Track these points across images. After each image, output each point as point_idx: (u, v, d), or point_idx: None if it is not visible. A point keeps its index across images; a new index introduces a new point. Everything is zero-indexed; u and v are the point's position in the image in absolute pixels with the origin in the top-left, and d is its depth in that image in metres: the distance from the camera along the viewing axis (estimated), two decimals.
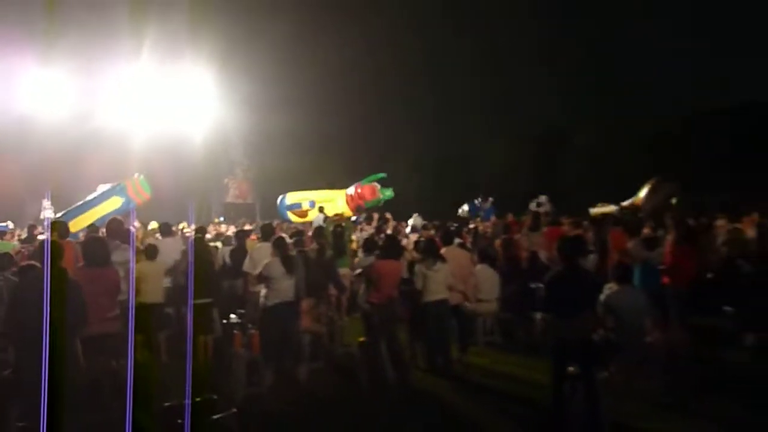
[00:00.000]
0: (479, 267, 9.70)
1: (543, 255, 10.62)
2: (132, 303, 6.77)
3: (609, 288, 7.07)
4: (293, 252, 8.27)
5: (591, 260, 9.87)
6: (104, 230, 9.91)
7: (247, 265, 9.20)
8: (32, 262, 5.90)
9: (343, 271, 9.75)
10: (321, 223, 13.79)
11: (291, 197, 18.12)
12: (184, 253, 9.60)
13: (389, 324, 7.99)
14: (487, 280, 9.55)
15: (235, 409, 5.64)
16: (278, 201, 19.17)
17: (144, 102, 20.78)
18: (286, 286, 7.69)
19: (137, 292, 7.64)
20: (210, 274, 8.84)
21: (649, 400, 6.74)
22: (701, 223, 12.45)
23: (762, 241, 9.98)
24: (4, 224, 15.71)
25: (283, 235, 9.79)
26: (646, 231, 10.32)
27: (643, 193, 16.41)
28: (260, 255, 8.80)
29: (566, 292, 5.98)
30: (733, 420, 6.27)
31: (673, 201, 15.92)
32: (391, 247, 8.50)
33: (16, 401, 5.62)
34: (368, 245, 9.46)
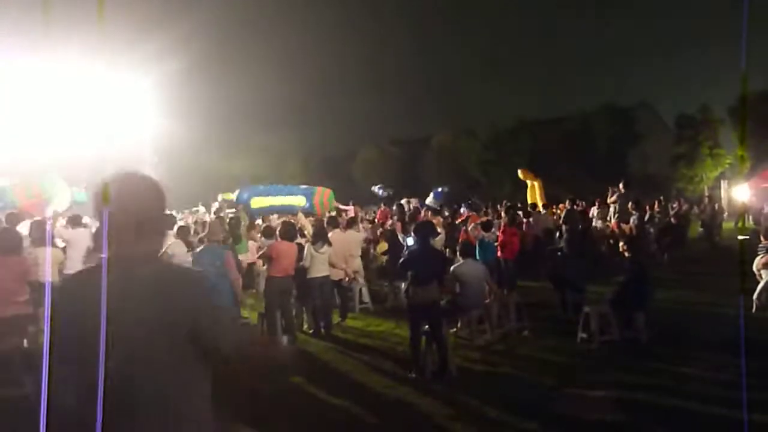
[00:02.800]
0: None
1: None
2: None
3: (456, 261, 7.40)
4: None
5: (440, 240, 10.23)
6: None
7: None
8: None
9: (242, 256, 9.46)
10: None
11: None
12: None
13: (283, 295, 7.91)
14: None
15: None
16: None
17: (59, 99, 18.78)
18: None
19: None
20: None
21: (486, 348, 7.07)
22: (526, 210, 13.21)
23: (567, 223, 10.74)
24: None
25: (185, 224, 9.60)
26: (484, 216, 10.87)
27: None
28: None
29: (419, 266, 6.16)
30: (541, 355, 6.71)
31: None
32: (287, 232, 8.40)
33: None
34: (267, 231, 9.48)
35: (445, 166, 41.86)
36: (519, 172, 19.72)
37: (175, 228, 8.56)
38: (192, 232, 9.95)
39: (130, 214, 1.80)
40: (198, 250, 7.20)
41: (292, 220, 9.94)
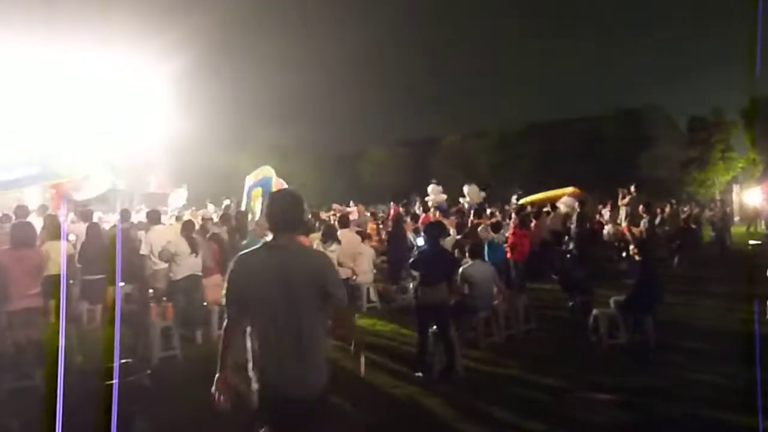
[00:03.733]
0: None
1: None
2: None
3: (465, 262, 7.41)
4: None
5: (450, 241, 10.22)
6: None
7: (143, 248, 8.55)
8: None
9: None
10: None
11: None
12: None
13: None
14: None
15: (149, 371, 5.36)
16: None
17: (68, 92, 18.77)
18: (191, 262, 7.56)
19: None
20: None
21: (493, 350, 7.07)
22: (535, 211, 13.18)
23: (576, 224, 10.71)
24: None
25: (192, 219, 9.67)
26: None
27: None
28: (155, 237, 8.38)
29: (429, 266, 6.18)
30: (548, 356, 6.69)
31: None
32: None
33: None
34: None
35: (454, 168, 41.81)
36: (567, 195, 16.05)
37: (181, 224, 8.56)
38: (198, 228, 9.98)
39: (287, 216, 2.91)
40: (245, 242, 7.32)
41: None
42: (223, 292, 2.93)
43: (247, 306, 2.83)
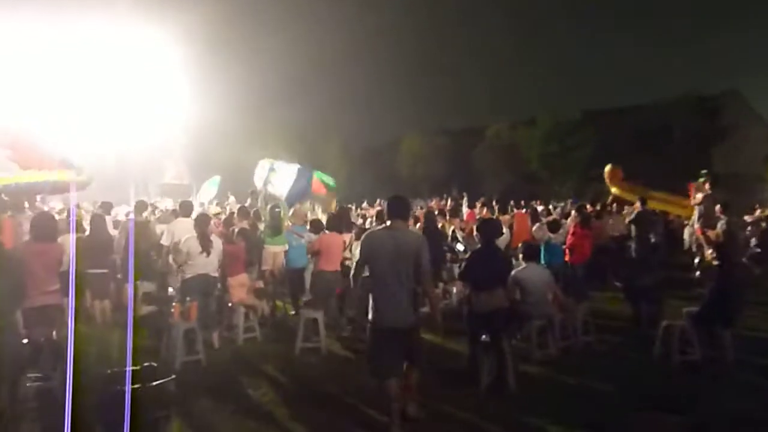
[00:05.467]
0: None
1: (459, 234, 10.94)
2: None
3: (517, 265, 7.38)
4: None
5: (503, 240, 10.19)
6: None
7: (165, 238, 8.90)
8: None
9: (277, 249, 9.63)
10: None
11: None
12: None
13: (331, 292, 8.29)
14: None
15: (173, 375, 5.50)
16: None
17: (82, 77, 19.27)
18: (202, 262, 7.67)
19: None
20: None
21: (548, 363, 7.03)
22: (597, 209, 13.02)
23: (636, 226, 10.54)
24: None
25: (208, 212, 9.86)
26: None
27: None
28: (178, 229, 8.63)
29: (484, 270, 6.19)
30: (610, 372, 6.59)
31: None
32: (336, 223, 8.82)
33: None
34: (316, 224, 9.68)
35: (500, 159, 41.47)
36: (607, 169, 17.02)
37: (193, 218, 8.74)
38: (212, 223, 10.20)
39: (399, 211, 5.12)
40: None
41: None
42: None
43: (369, 265, 5.01)
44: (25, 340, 5.73)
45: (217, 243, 7.93)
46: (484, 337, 6.20)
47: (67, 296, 6.27)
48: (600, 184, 18.47)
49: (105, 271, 8.95)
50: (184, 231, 8.33)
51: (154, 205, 16.27)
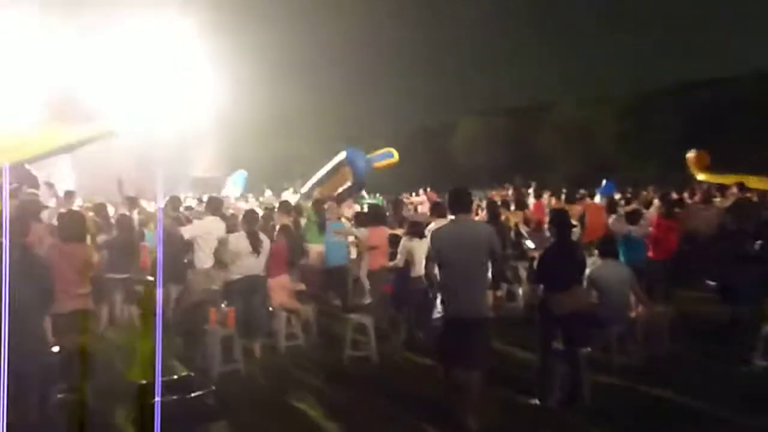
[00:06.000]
0: None
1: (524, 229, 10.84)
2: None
3: (593, 262, 7.27)
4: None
5: (573, 235, 10.04)
6: None
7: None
8: None
9: (318, 247, 9.75)
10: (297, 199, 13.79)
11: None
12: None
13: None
14: None
15: (213, 387, 5.65)
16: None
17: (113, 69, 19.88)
18: (252, 263, 7.79)
19: None
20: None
21: (629, 373, 6.92)
22: (682, 197, 12.70)
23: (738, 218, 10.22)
24: None
25: (255, 208, 9.97)
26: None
27: None
28: (204, 227, 8.72)
29: (560, 267, 6.16)
30: (700, 384, 6.43)
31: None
32: (379, 216, 9.26)
33: None
34: (360, 218, 9.95)
35: (568, 141, 40.84)
36: (690, 155, 16.33)
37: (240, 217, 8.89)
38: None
39: (464, 205, 5.60)
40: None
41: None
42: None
43: (440, 259, 5.44)
44: (56, 349, 5.94)
45: (266, 242, 8.06)
46: (555, 344, 6.14)
47: (99, 301, 6.51)
48: (687, 168, 17.98)
49: (127, 276, 9.25)
50: (212, 230, 8.51)
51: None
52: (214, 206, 9.20)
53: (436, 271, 5.49)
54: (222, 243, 8.10)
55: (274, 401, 6.54)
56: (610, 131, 39.62)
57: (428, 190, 19.77)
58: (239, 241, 7.82)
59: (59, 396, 6.04)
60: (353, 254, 10.21)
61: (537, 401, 6.10)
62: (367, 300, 8.86)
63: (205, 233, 8.47)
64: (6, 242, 5.07)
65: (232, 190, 17.99)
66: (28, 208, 7.82)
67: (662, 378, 6.83)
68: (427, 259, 5.68)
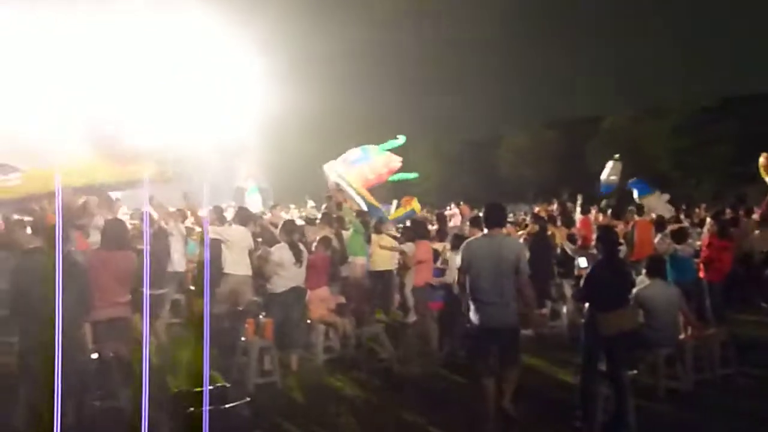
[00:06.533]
0: None
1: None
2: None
3: (640, 281, 7.17)
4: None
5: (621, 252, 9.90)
6: None
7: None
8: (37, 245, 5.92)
9: (362, 260, 9.81)
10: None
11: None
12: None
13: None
14: None
15: (248, 398, 5.71)
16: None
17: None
18: (294, 273, 7.87)
19: None
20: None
21: (678, 398, 6.79)
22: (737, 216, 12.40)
23: None
24: None
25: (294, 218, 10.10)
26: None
27: None
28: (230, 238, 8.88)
29: (605, 284, 6.05)
30: (756, 412, 6.31)
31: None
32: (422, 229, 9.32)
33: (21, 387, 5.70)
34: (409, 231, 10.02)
35: (621, 155, 40.21)
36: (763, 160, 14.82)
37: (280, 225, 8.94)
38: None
39: (497, 220, 6.10)
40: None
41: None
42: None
43: (470, 270, 5.82)
44: (95, 355, 6.08)
45: (305, 253, 8.17)
46: (599, 365, 6.04)
47: (138, 311, 6.63)
48: (745, 184, 17.53)
49: (164, 291, 9.25)
50: (238, 237, 8.75)
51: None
52: (244, 217, 9.44)
53: (467, 281, 5.86)
54: (264, 256, 8.24)
55: (310, 414, 6.58)
56: (663, 146, 38.91)
57: (461, 203, 19.64)
58: (282, 252, 7.92)
59: (95, 403, 6.17)
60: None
61: (579, 425, 6.00)
62: (412, 318, 8.85)
63: (231, 237, 8.72)
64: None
65: (254, 202, 18.03)
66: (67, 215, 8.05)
67: (711, 404, 6.69)
68: (459, 270, 6.05)
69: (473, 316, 5.86)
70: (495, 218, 6.02)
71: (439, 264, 9.02)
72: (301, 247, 8.17)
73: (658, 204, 13.92)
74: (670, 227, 10.93)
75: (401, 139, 14.79)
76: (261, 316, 7.66)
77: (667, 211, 13.60)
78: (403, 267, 9.77)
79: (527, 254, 6.05)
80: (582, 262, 9.72)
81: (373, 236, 10.43)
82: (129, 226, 7.65)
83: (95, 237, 8.09)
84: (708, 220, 11.20)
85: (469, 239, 6.38)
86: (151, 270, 9.09)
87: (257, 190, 18.65)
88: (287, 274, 7.87)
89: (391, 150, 14.42)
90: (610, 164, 17.06)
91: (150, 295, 9.02)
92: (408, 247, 9.34)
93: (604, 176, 17.07)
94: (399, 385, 7.52)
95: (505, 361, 5.83)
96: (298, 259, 7.89)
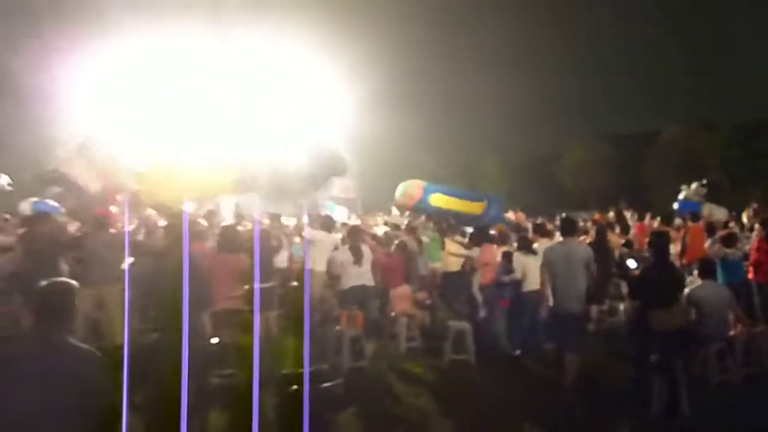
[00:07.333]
0: None
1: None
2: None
3: (692, 282, 6.99)
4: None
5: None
6: None
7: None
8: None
9: (437, 264, 9.89)
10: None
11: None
12: None
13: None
14: None
15: (341, 379, 5.90)
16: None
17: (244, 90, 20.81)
18: (356, 273, 8.07)
19: None
20: None
21: (728, 390, 6.57)
22: None
23: None
24: None
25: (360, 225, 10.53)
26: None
27: None
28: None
29: (656, 284, 6.03)
30: None
31: None
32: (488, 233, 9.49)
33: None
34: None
35: (674, 168, 38.71)
36: None
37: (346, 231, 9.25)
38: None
39: (570, 228, 7.10)
40: None
41: None
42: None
43: (550, 269, 6.54)
44: (215, 340, 6.41)
45: (368, 253, 8.35)
46: (653, 357, 5.94)
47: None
48: None
49: (273, 284, 9.62)
50: (320, 239, 9.12)
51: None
52: (326, 224, 9.78)
53: (547, 277, 6.59)
54: (330, 259, 8.53)
55: (394, 394, 6.73)
56: (715, 157, 37.24)
57: (518, 211, 19.27)
58: (342, 253, 8.26)
59: (215, 380, 6.49)
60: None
61: (635, 413, 5.91)
62: (482, 313, 8.85)
63: (315, 238, 9.15)
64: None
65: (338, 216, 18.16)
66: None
67: (760, 396, 6.40)
68: (542, 271, 6.77)
69: (553, 302, 6.48)
70: (569, 229, 6.96)
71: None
72: (364, 249, 8.33)
73: (714, 210, 13.49)
74: (719, 232, 10.52)
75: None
76: (353, 308, 7.86)
77: (723, 215, 13.28)
78: (470, 269, 9.75)
79: (592, 256, 6.66)
80: (631, 263, 9.50)
81: (446, 241, 10.42)
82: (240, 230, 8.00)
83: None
84: (756, 225, 10.70)
85: (551, 245, 7.29)
86: (259, 267, 9.59)
87: (334, 208, 18.78)
88: (348, 272, 8.09)
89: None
90: (694, 185, 16.17)
91: (259, 288, 9.48)
92: (474, 252, 9.35)
93: (685, 195, 16.15)
94: (473, 376, 7.59)
95: (571, 343, 6.36)
96: (357, 259, 8.08)
